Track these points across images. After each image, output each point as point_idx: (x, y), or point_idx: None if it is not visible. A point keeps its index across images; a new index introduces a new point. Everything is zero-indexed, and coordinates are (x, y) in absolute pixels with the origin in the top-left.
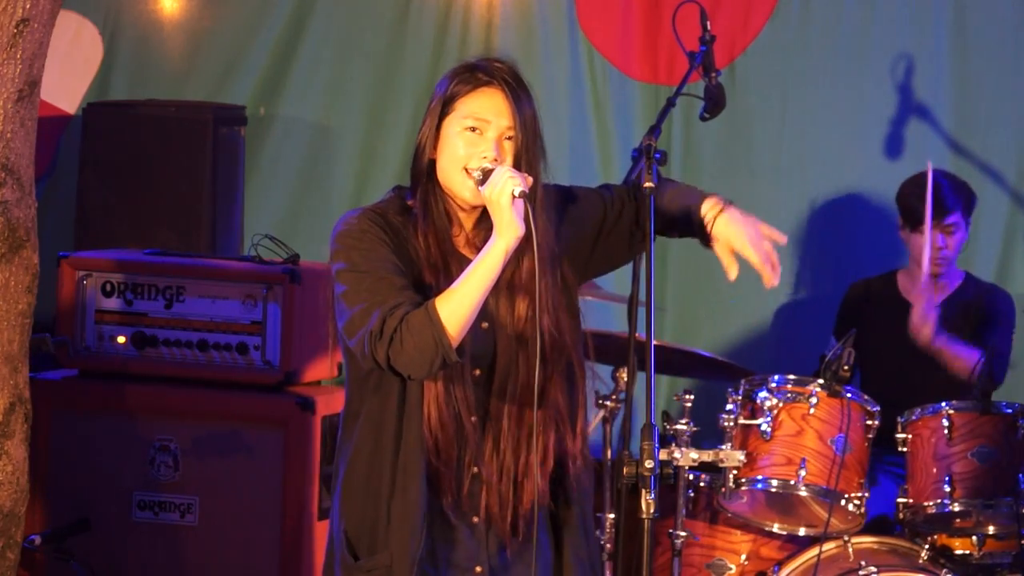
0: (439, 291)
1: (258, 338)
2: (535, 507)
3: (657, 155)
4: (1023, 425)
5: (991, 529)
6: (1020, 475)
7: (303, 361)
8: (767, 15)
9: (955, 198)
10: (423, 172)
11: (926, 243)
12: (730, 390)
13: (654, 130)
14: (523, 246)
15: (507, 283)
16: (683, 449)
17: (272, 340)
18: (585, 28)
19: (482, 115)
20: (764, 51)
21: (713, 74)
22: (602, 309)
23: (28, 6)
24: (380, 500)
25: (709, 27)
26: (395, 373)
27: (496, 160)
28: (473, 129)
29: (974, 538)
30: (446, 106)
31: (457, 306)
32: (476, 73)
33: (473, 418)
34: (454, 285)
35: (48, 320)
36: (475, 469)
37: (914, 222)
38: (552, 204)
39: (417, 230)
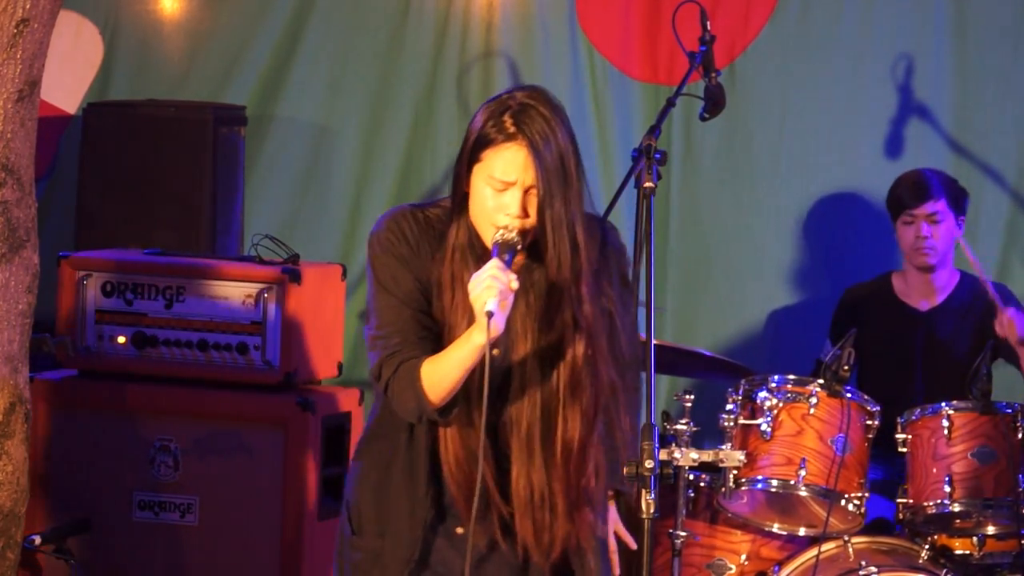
0: (449, 311)
1: (258, 338)
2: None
3: (657, 155)
4: (1023, 425)
5: (991, 529)
6: (1020, 475)
7: (303, 361)
8: (767, 15)
9: (940, 188)
10: (458, 203)
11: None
12: (730, 390)
13: (654, 130)
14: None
15: (524, 312)
16: (683, 449)
17: (272, 340)
18: (585, 28)
19: (506, 176)
20: (764, 51)
21: (713, 74)
22: None
23: (28, 6)
24: (388, 488)
25: (709, 27)
26: None
27: (520, 217)
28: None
29: (974, 538)
30: (475, 152)
31: (439, 379)
32: (505, 123)
33: (484, 443)
34: (442, 355)
35: (48, 320)
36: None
37: (896, 212)
38: (597, 245)
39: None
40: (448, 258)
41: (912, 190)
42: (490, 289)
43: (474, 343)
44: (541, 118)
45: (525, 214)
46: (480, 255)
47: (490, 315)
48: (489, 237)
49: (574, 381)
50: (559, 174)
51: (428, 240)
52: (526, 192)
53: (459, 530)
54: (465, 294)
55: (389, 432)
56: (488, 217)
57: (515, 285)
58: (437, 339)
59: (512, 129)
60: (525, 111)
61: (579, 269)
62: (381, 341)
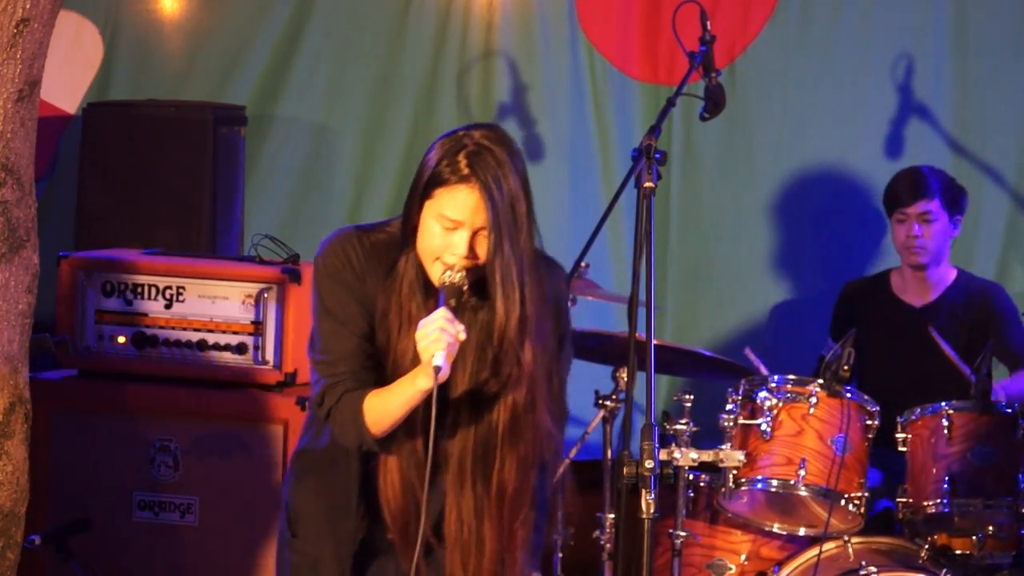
0: (395, 342)
1: (258, 338)
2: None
3: (657, 155)
4: (1023, 425)
5: (991, 529)
6: (1020, 475)
7: (303, 361)
8: (767, 15)
9: (935, 187)
10: (408, 236)
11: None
12: (730, 390)
13: (654, 130)
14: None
15: (464, 350)
16: (683, 449)
17: (272, 340)
18: (585, 28)
19: (457, 216)
20: (764, 51)
21: (713, 74)
22: (602, 309)
23: (28, 6)
24: (324, 499)
25: (709, 27)
26: None
27: (467, 258)
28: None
29: (974, 538)
30: (427, 188)
31: (382, 415)
32: (460, 163)
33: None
34: (386, 392)
35: (48, 320)
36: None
37: (890, 208)
38: (544, 293)
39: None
40: (396, 290)
41: (907, 188)
42: (438, 342)
43: (419, 387)
44: (495, 161)
45: (472, 255)
46: (427, 288)
47: (438, 369)
48: (435, 273)
49: (514, 425)
50: (509, 219)
51: (373, 266)
52: (475, 233)
53: (390, 536)
54: (411, 325)
55: (328, 446)
56: (434, 254)
57: (463, 336)
58: (381, 367)
59: (466, 171)
60: (480, 153)
61: (525, 316)
62: (325, 368)
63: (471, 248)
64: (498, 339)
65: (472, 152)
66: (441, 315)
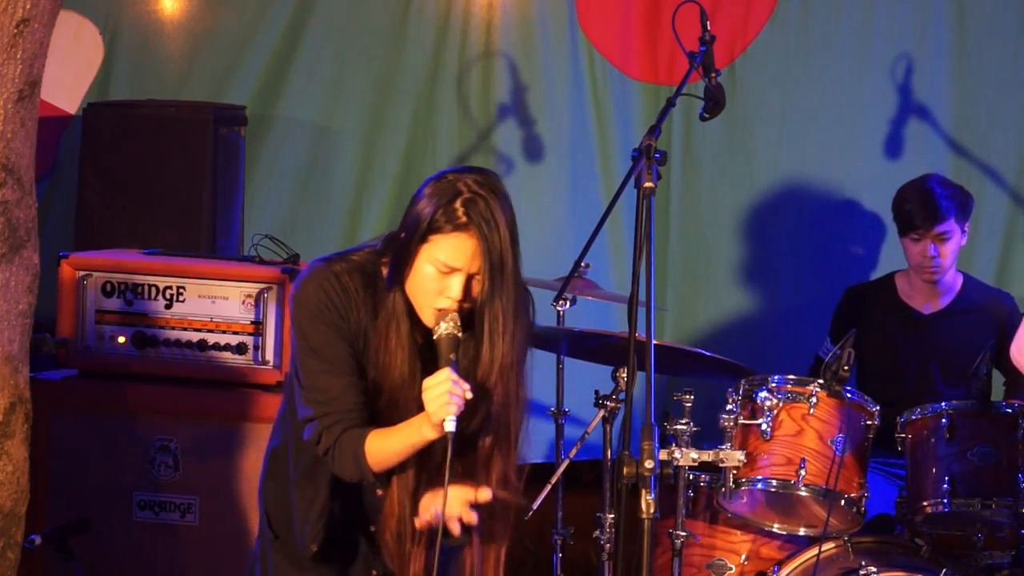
0: (387, 376)
1: (258, 338)
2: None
3: (657, 155)
4: (1023, 425)
5: (991, 529)
6: (1020, 475)
7: None
8: (767, 15)
9: (948, 206)
10: (397, 275)
11: (916, 252)
12: (730, 390)
13: (654, 130)
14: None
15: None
16: (683, 449)
17: (272, 340)
18: (585, 28)
19: (454, 263)
20: (764, 51)
21: (713, 74)
22: (602, 309)
23: (28, 6)
24: (309, 501)
25: (709, 27)
26: None
27: (463, 302)
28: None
29: (974, 538)
30: (425, 234)
31: (385, 457)
32: (457, 211)
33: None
34: (389, 435)
35: (48, 320)
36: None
37: (904, 228)
38: (525, 332)
39: (378, 317)
40: (386, 326)
41: (922, 209)
42: (449, 406)
43: (424, 436)
44: (490, 211)
45: (466, 297)
46: (413, 321)
47: (451, 435)
48: (426, 314)
49: (486, 456)
50: (500, 268)
51: (354, 302)
52: (469, 277)
53: (372, 528)
54: (402, 358)
55: (302, 451)
56: (427, 297)
57: (470, 396)
58: (372, 400)
59: (464, 219)
60: (476, 201)
61: (507, 361)
62: (318, 406)
63: (465, 291)
64: (480, 379)
65: (468, 200)
66: (446, 376)
